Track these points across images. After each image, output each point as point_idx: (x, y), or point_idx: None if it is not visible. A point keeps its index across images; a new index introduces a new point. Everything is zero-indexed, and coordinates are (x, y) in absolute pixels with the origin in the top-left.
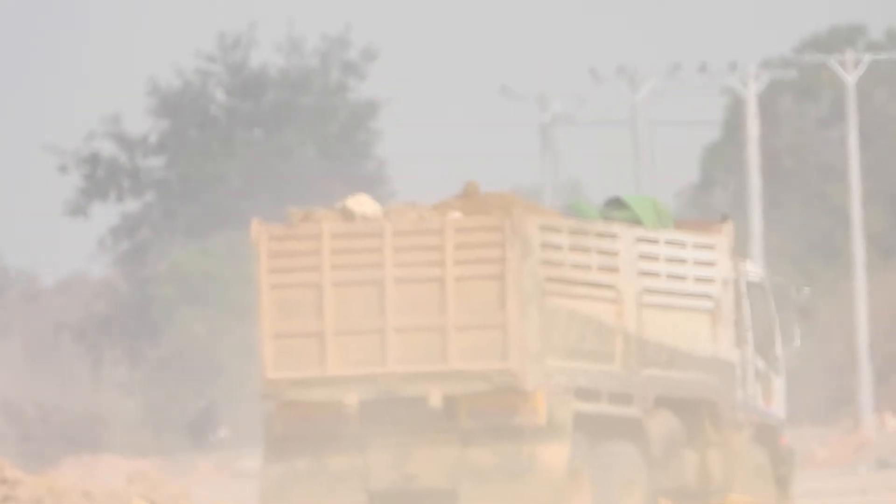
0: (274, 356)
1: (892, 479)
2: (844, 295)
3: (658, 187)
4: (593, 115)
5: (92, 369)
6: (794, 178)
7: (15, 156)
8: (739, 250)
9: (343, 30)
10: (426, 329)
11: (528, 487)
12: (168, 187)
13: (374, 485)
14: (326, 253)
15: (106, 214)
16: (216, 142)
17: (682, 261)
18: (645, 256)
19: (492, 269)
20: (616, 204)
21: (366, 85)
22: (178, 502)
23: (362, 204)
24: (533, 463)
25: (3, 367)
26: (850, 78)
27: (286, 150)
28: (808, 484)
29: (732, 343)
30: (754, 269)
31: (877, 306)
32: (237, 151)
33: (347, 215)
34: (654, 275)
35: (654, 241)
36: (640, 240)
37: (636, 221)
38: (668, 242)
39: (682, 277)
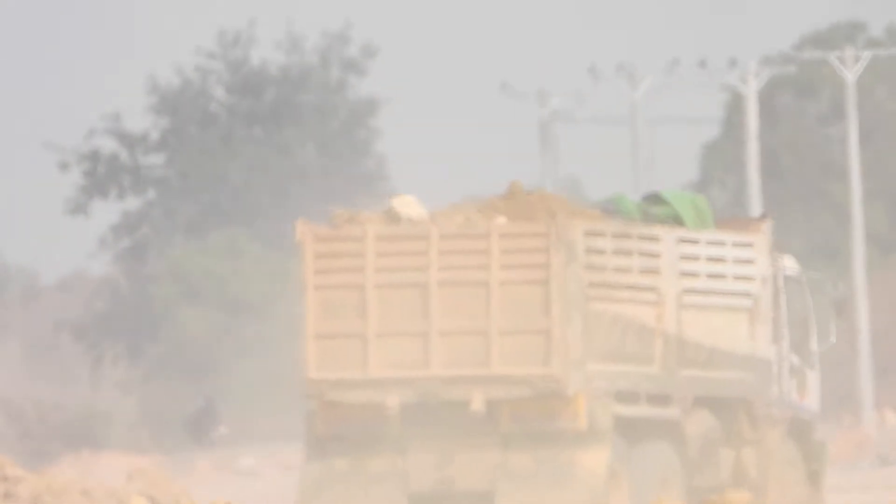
0: (316, 357)
1: (892, 477)
2: None
3: (657, 185)
4: (593, 112)
5: (91, 367)
6: (793, 175)
7: (15, 153)
8: (778, 245)
9: (343, 27)
10: (469, 333)
11: (567, 492)
12: (168, 185)
13: (413, 487)
14: (371, 255)
15: (106, 212)
16: (216, 139)
17: (722, 260)
18: (686, 257)
19: (536, 275)
20: (655, 200)
21: (366, 82)
22: (177, 500)
23: (408, 206)
24: (573, 468)
25: (3, 365)
26: (851, 75)
27: (286, 148)
28: None
29: (769, 340)
30: (791, 264)
31: (877, 304)
32: (237, 149)
33: (393, 217)
34: (695, 275)
35: (696, 242)
36: (682, 241)
37: (675, 217)
38: (709, 242)
39: (721, 276)
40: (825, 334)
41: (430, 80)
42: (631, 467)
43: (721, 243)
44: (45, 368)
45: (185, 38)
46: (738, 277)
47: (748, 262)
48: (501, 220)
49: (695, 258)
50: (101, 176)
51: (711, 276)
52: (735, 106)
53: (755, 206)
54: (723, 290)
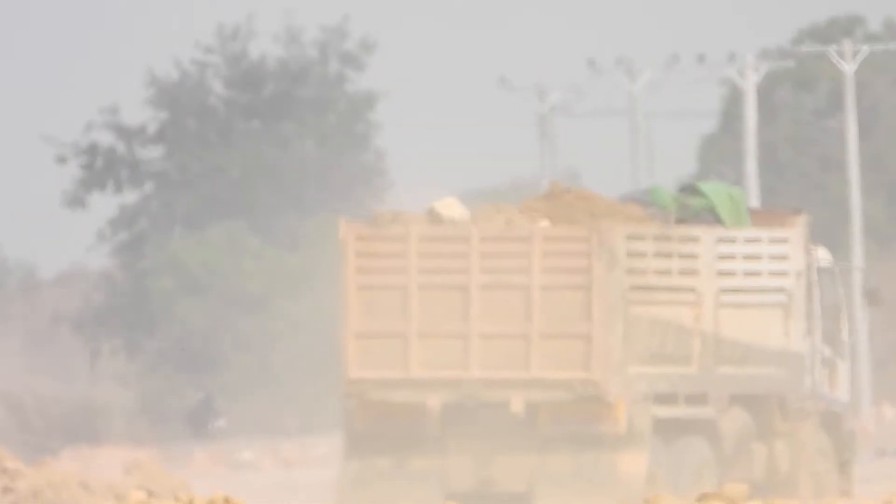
0: (357, 356)
1: (889, 469)
2: None
3: (656, 178)
4: (591, 106)
5: (90, 360)
6: (792, 168)
7: (13, 147)
8: (812, 237)
9: (341, 21)
10: (510, 336)
11: (607, 495)
12: (166, 178)
13: (453, 487)
14: (413, 255)
15: (104, 205)
16: (214, 133)
17: (758, 257)
18: (723, 256)
19: (578, 279)
20: (691, 191)
21: (364, 76)
22: (175, 493)
23: (450, 207)
24: (612, 471)
25: (2, 358)
26: (849, 68)
27: (284, 141)
28: None
29: (803, 334)
30: (824, 255)
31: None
32: (235, 142)
33: (435, 218)
34: (732, 274)
35: (733, 241)
36: (720, 240)
37: (711, 209)
38: (746, 240)
39: (757, 273)
40: (855, 324)
41: (429, 74)
42: (667, 464)
43: (757, 240)
44: (45, 362)
45: (183, 32)
46: (773, 273)
47: (783, 257)
48: (544, 223)
49: (732, 257)
50: (98, 169)
51: (748, 273)
52: (733, 99)
53: (753, 200)
54: (758, 287)
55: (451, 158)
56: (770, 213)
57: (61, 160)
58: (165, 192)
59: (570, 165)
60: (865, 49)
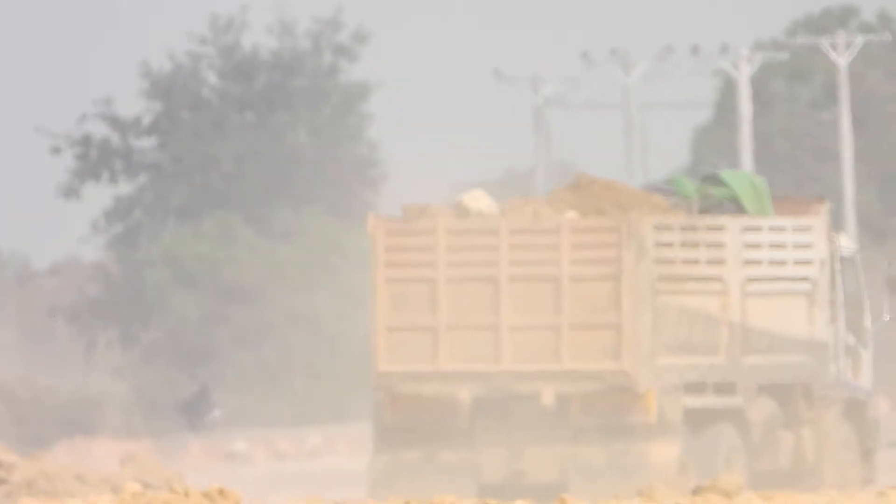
0: (387, 349)
1: (886, 462)
2: None
3: (649, 170)
4: (585, 97)
5: (85, 352)
6: (786, 160)
7: (8, 138)
8: (834, 225)
9: (335, 12)
10: (540, 328)
11: (639, 485)
12: (160, 170)
13: (484, 480)
14: (442, 249)
15: (99, 197)
16: (208, 124)
17: (783, 246)
18: (749, 245)
19: (607, 270)
20: (713, 180)
21: (358, 68)
22: (169, 485)
23: (478, 200)
24: (644, 461)
25: None
26: (843, 60)
27: (278, 133)
28: None
29: (826, 322)
30: (847, 243)
31: (869, 288)
32: (229, 134)
33: (463, 211)
34: (758, 263)
35: (758, 230)
36: (746, 229)
37: (734, 199)
38: (771, 229)
39: (782, 262)
40: (879, 312)
41: (423, 66)
42: (697, 453)
43: (782, 229)
44: (39, 353)
45: (177, 24)
46: (797, 262)
47: (807, 246)
48: (571, 214)
49: (757, 246)
50: (93, 160)
51: (773, 262)
52: (727, 91)
53: None
54: (783, 276)
55: (445, 150)
56: (792, 201)
57: (56, 151)
58: (159, 183)
59: (564, 157)
60: (859, 40)
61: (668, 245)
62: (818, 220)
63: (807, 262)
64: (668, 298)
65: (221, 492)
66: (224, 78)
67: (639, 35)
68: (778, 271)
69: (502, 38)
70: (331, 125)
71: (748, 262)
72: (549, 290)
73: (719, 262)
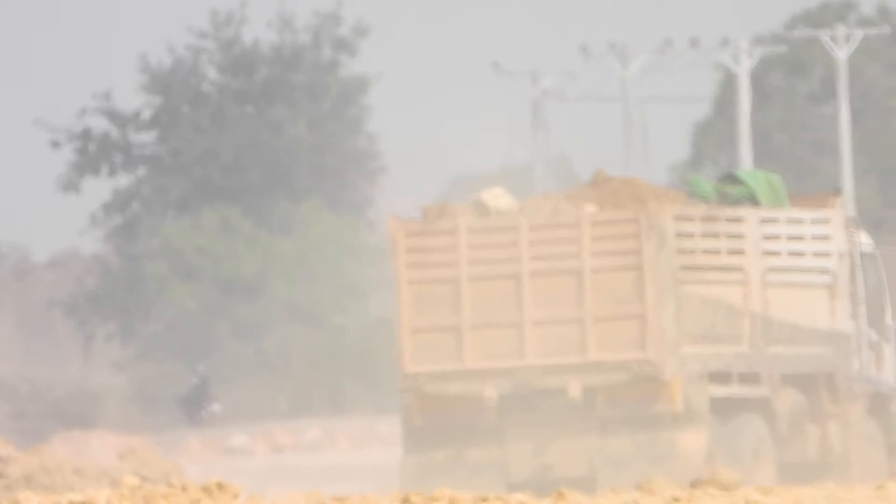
0: (412, 350)
1: None
2: None
3: (649, 163)
4: (584, 91)
5: (83, 345)
6: (785, 154)
7: (7, 132)
8: (854, 221)
9: (334, 6)
10: (564, 322)
11: (667, 474)
12: (159, 163)
13: (513, 476)
14: (463, 248)
15: (98, 190)
16: (208, 118)
17: (801, 237)
18: (768, 236)
19: (628, 261)
20: (731, 180)
21: (357, 61)
22: (168, 478)
23: (497, 198)
24: (672, 450)
25: None
26: (842, 54)
27: (277, 126)
28: None
29: (848, 315)
30: (866, 239)
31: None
32: (228, 127)
33: (482, 210)
34: (777, 254)
35: (776, 221)
36: (764, 220)
37: (751, 197)
38: (789, 220)
39: (801, 254)
40: None
41: (422, 59)
42: (725, 442)
43: (800, 221)
44: (38, 346)
45: (176, 18)
46: (816, 254)
47: (825, 238)
48: (591, 208)
49: (776, 237)
50: (92, 154)
51: (792, 253)
52: (727, 85)
53: None
54: (803, 267)
55: (443, 142)
56: (809, 196)
57: (55, 145)
58: (159, 176)
59: (562, 150)
60: (859, 34)
61: (689, 236)
62: (835, 212)
63: (826, 255)
64: (690, 288)
65: (220, 485)
66: (224, 72)
67: (638, 28)
68: (797, 262)
69: (501, 30)
70: (330, 118)
71: (768, 253)
72: (571, 284)
73: (739, 252)
